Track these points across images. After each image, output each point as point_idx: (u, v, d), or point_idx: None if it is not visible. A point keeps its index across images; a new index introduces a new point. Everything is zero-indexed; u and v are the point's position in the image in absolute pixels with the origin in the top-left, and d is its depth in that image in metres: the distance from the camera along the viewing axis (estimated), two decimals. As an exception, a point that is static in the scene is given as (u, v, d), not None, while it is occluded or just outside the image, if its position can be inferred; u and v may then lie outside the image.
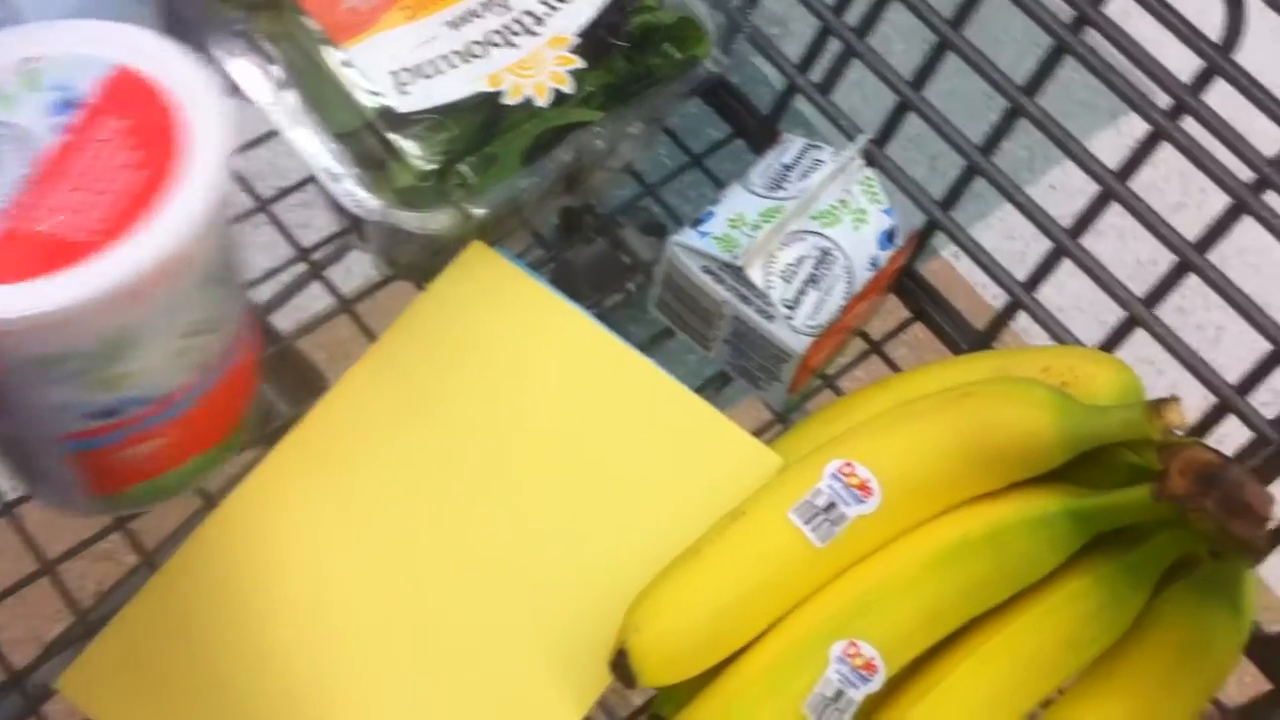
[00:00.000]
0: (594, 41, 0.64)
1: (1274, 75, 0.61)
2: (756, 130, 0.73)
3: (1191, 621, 0.54)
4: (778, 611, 0.52)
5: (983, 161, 0.65)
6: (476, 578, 0.56)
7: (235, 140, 0.49)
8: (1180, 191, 1.27)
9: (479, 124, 0.61)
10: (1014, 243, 1.24)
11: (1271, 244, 0.59)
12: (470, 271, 0.61)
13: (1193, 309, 1.26)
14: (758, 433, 0.60)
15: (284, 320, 0.76)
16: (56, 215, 0.46)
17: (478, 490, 0.58)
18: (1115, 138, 1.40)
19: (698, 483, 0.57)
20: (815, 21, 0.69)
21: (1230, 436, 0.59)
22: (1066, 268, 0.65)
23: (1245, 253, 1.19)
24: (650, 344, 0.64)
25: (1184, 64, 0.61)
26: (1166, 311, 0.62)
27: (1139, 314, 0.62)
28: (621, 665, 0.51)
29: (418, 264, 0.63)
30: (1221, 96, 0.60)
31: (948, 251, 1.27)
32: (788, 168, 0.63)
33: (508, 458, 0.58)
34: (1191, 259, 0.60)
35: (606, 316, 0.62)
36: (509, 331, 0.60)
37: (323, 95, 0.60)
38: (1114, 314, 0.63)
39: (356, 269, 0.77)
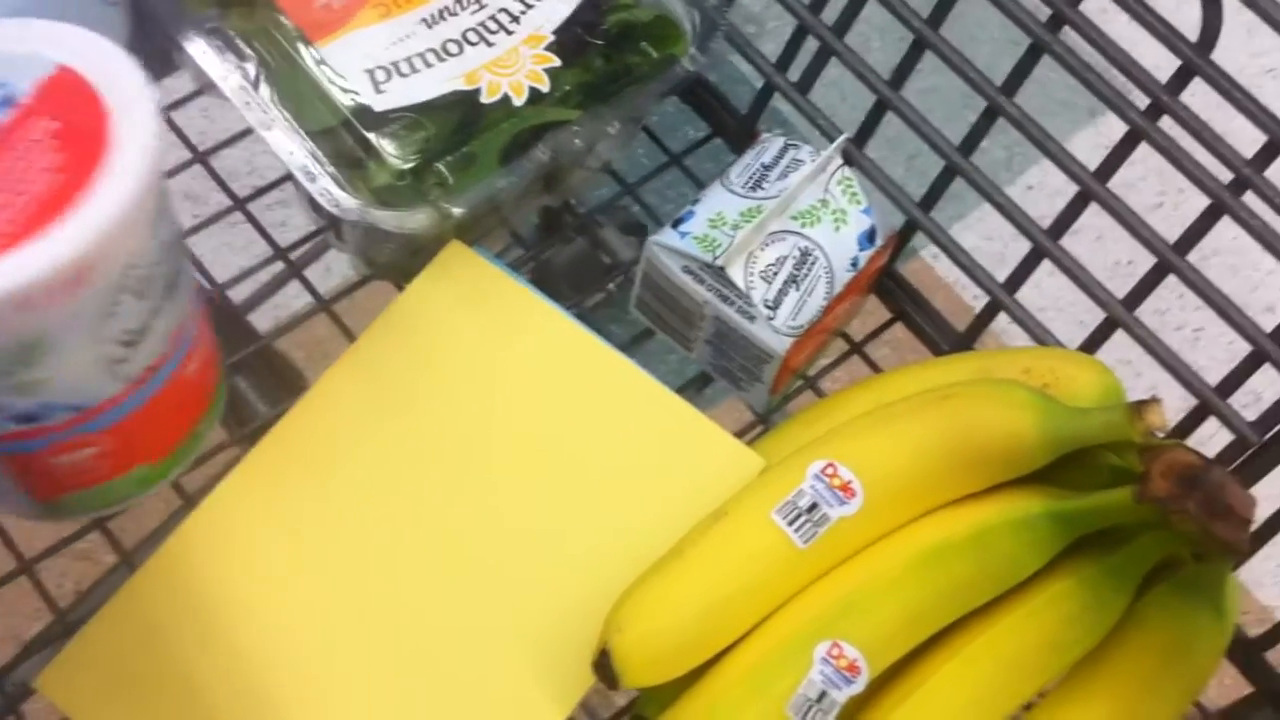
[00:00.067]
0: (571, 40, 0.63)
1: (1248, 74, 0.61)
2: (735, 130, 0.73)
3: (1174, 624, 0.54)
4: (761, 613, 0.52)
5: (962, 161, 0.64)
6: (457, 579, 0.56)
7: (156, 151, 0.47)
8: (1157, 191, 1.28)
9: (456, 123, 0.60)
10: (992, 243, 1.24)
11: (1248, 245, 0.59)
12: (449, 271, 0.61)
13: (1170, 310, 1.27)
14: (739, 434, 0.60)
15: (262, 319, 0.75)
16: None
17: (458, 490, 0.57)
18: (1094, 137, 1.40)
19: (679, 484, 0.57)
20: (792, 20, 0.69)
21: (1211, 439, 0.59)
22: (1043, 269, 0.65)
23: (1221, 254, 1.19)
24: (630, 345, 0.63)
25: (1159, 64, 0.61)
26: (1144, 313, 0.62)
27: (1119, 315, 0.62)
28: (604, 666, 0.51)
29: (396, 264, 0.62)
30: (1197, 97, 0.60)
31: (926, 252, 1.28)
32: (767, 167, 0.62)
33: (488, 458, 0.58)
34: (1171, 259, 0.60)
35: (586, 317, 0.62)
36: (488, 331, 0.60)
37: (298, 93, 0.60)
38: (1091, 315, 0.62)
39: (335, 268, 0.77)
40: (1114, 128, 0.60)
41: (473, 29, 0.63)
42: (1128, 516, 0.52)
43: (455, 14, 0.63)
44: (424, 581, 0.56)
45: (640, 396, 0.59)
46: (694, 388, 0.64)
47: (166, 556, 0.56)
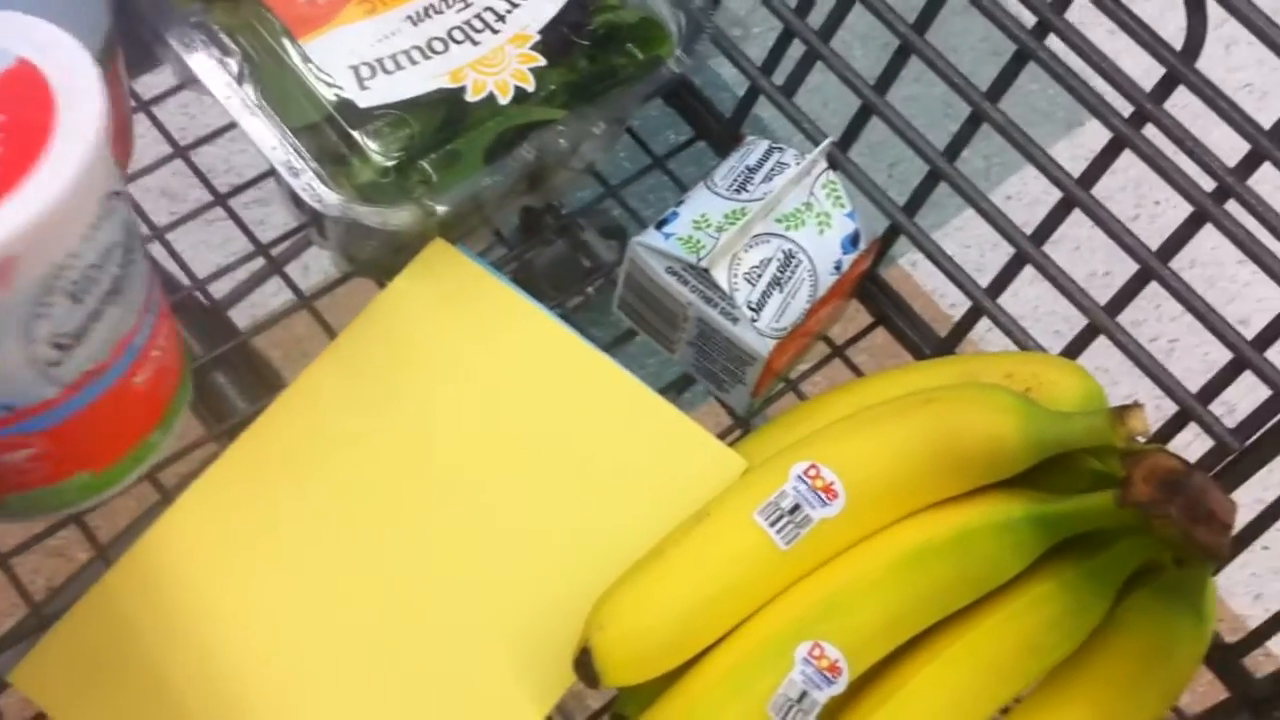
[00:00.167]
0: (556, 39, 0.63)
1: (1225, 90, 0.61)
2: (719, 133, 0.73)
3: (1154, 628, 0.54)
4: (742, 613, 0.52)
5: (946, 166, 0.65)
6: (437, 577, 0.56)
7: (95, 152, 0.46)
8: (1133, 204, 1.28)
9: (440, 120, 0.60)
10: (969, 251, 1.25)
11: (1224, 258, 0.59)
12: (432, 269, 0.60)
13: (1147, 321, 1.28)
14: (718, 438, 0.60)
15: (238, 318, 0.75)
16: None
17: (439, 489, 0.57)
18: (1071, 149, 1.41)
19: (661, 484, 0.57)
20: (777, 24, 0.69)
21: (1187, 448, 0.59)
22: (1020, 279, 0.65)
23: (1198, 266, 1.20)
24: (610, 347, 0.63)
25: (1138, 76, 0.61)
26: (1120, 324, 0.62)
27: (1101, 321, 0.62)
28: (585, 664, 0.50)
29: (378, 261, 0.62)
30: (1176, 110, 0.60)
31: (905, 260, 1.28)
32: (752, 170, 0.62)
33: (470, 457, 0.58)
34: (1154, 266, 0.60)
35: (569, 317, 0.62)
36: (471, 330, 0.60)
37: (282, 88, 0.59)
38: (1067, 325, 0.62)
39: (314, 266, 0.77)
40: (1090, 141, 0.61)
41: (458, 27, 0.62)
42: (1109, 521, 0.52)
43: (440, 12, 0.63)
44: (402, 580, 0.56)
45: (623, 396, 0.59)
46: (673, 391, 0.64)
47: (142, 552, 0.55)
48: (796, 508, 0.52)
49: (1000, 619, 0.53)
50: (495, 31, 0.63)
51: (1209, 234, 0.60)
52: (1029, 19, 0.63)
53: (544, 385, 0.59)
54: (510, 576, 0.56)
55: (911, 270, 1.30)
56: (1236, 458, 0.59)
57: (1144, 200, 1.31)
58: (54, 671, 0.53)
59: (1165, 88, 0.61)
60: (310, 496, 0.56)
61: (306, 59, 0.60)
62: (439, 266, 0.61)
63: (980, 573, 0.53)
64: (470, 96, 0.61)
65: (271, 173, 0.60)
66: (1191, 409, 0.60)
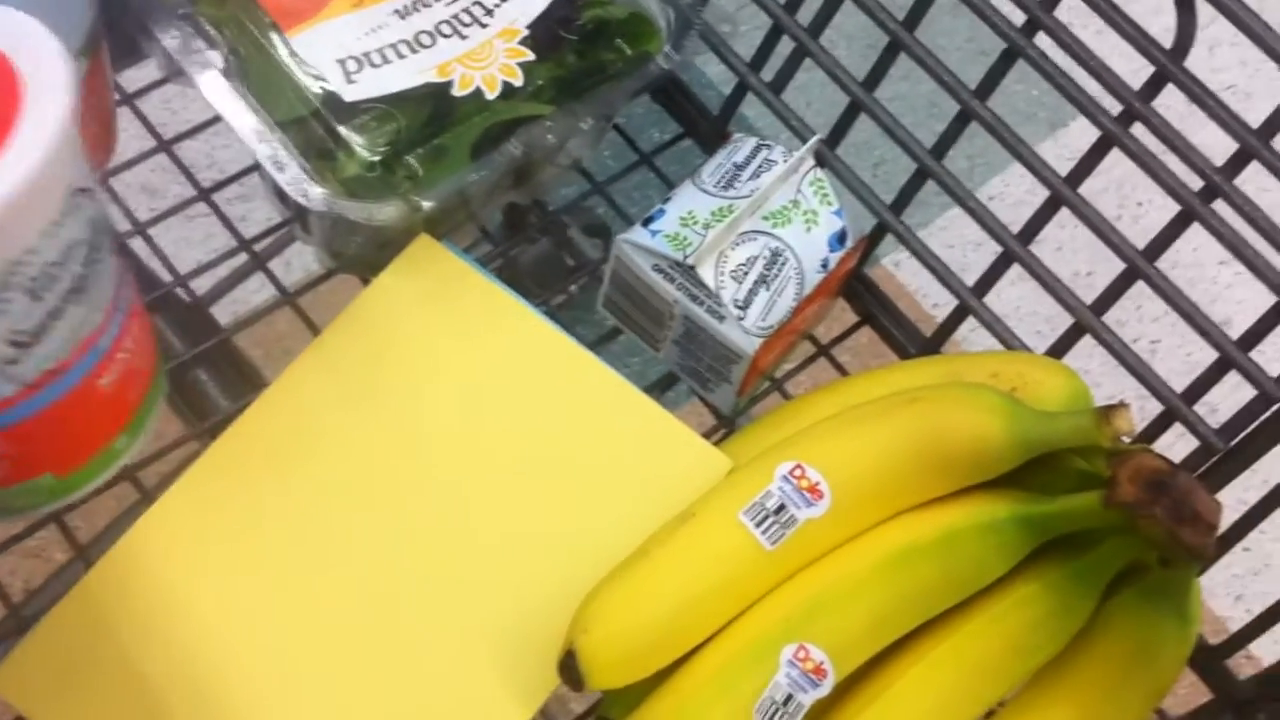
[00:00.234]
0: (544, 34, 0.63)
1: (1212, 87, 0.61)
2: (707, 130, 0.72)
3: (1139, 629, 0.54)
4: (728, 614, 0.51)
5: (934, 164, 0.64)
6: (420, 578, 0.55)
7: (57, 147, 0.45)
8: (1116, 205, 1.28)
9: (427, 115, 0.60)
10: (953, 251, 1.25)
11: (1206, 259, 0.60)
12: (417, 265, 0.60)
13: (1129, 322, 1.28)
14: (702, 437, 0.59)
15: (220, 315, 0.74)
16: None
17: (423, 488, 0.57)
18: (1055, 149, 1.41)
19: (647, 484, 0.56)
20: (765, 21, 0.69)
21: (1170, 449, 0.59)
22: (1003, 278, 0.65)
23: (1180, 267, 1.20)
24: (594, 347, 0.63)
25: (1125, 75, 0.61)
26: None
27: (1087, 321, 0.62)
28: (570, 667, 0.50)
29: (363, 257, 0.61)
30: (1162, 108, 0.60)
31: (888, 260, 1.28)
32: (739, 167, 0.62)
33: (454, 455, 0.57)
34: (1140, 265, 0.60)
35: (553, 316, 0.61)
36: (456, 326, 0.59)
37: (268, 82, 0.59)
38: (1049, 326, 0.63)
39: (296, 262, 0.76)
40: (1075, 142, 0.61)
41: (446, 21, 0.62)
42: (1094, 521, 0.52)
43: (428, 5, 0.62)
44: (386, 581, 0.55)
45: (608, 395, 0.59)
46: (656, 391, 0.64)
47: (123, 552, 0.55)
48: (782, 508, 0.52)
49: (986, 620, 0.53)
50: (483, 26, 0.62)
51: (1190, 236, 0.60)
52: (1018, 18, 0.63)
53: (530, 384, 0.59)
54: (494, 577, 0.55)
55: (895, 270, 1.30)
56: (1221, 458, 0.59)
57: (1127, 201, 1.31)
58: (34, 674, 0.53)
59: (1154, 87, 0.61)
60: (293, 495, 0.56)
61: (293, 52, 0.59)
62: (424, 263, 0.60)
63: (965, 573, 0.53)
64: (457, 91, 0.60)
65: (255, 168, 0.60)
66: (1177, 409, 0.60)
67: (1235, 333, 0.59)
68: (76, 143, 0.47)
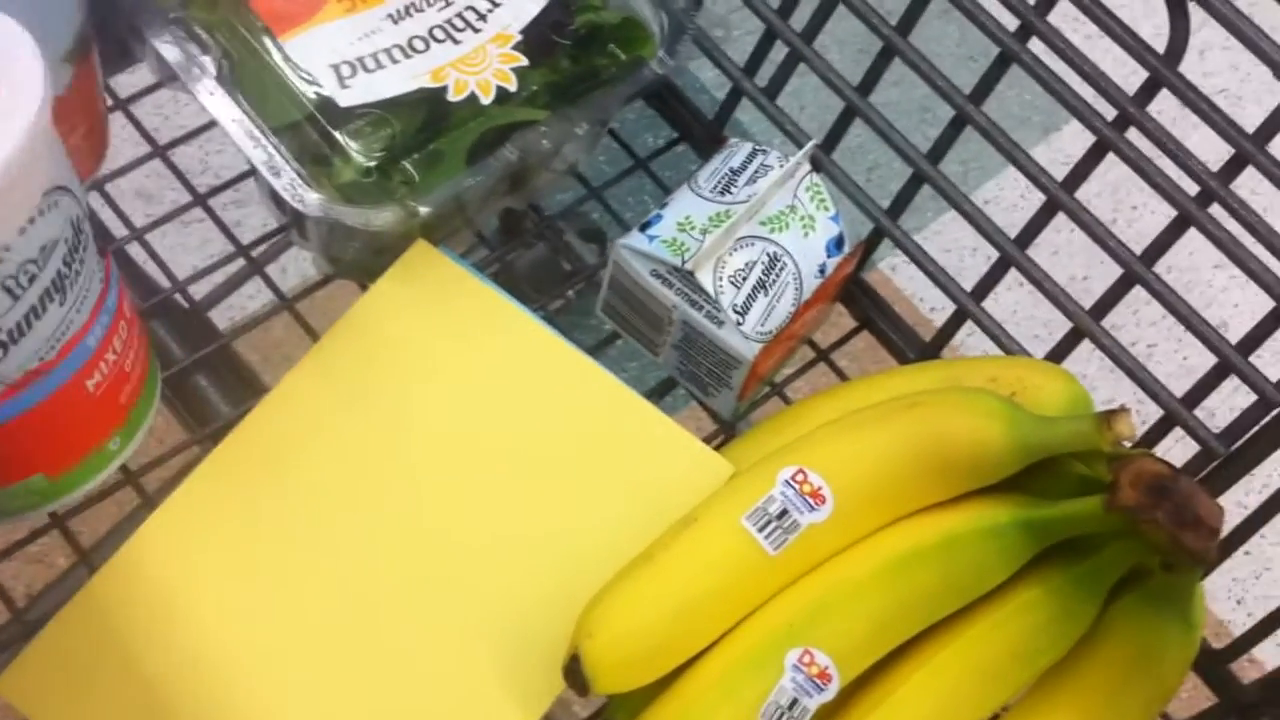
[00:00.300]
0: (538, 40, 0.63)
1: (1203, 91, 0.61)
2: (701, 135, 0.72)
3: (1142, 634, 0.54)
4: (731, 619, 0.51)
5: (930, 169, 0.64)
6: (423, 583, 0.55)
7: (26, 145, 0.44)
8: (1111, 209, 1.29)
9: (422, 120, 0.60)
10: (949, 255, 1.24)
11: (1201, 263, 0.60)
12: (414, 271, 0.60)
13: (1125, 326, 1.28)
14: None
15: (216, 321, 0.74)
16: None
17: (425, 493, 0.56)
18: (1048, 153, 1.41)
19: (648, 488, 0.56)
20: (758, 26, 0.69)
21: (1168, 454, 0.59)
22: (1000, 283, 0.65)
23: (1175, 271, 1.20)
24: (591, 352, 0.63)
25: (1117, 80, 0.61)
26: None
27: (1085, 325, 0.62)
28: (575, 672, 0.50)
29: (360, 262, 0.61)
30: (1154, 112, 0.60)
31: (885, 264, 1.28)
32: (735, 172, 0.62)
33: (455, 460, 0.57)
34: (1138, 271, 0.60)
35: (550, 321, 0.61)
36: (455, 332, 0.59)
37: (262, 87, 0.59)
38: (1047, 329, 0.62)
39: (291, 269, 0.76)
40: (1067, 146, 0.61)
41: (439, 26, 0.62)
42: (1096, 526, 0.52)
43: (421, 10, 0.62)
44: (389, 586, 0.55)
45: (608, 400, 0.59)
46: (654, 396, 0.64)
47: (127, 557, 0.54)
48: (784, 513, 0.52)
49: (988, 625, 0.53)
50: (476, 31, 0.62)
51: (1185, 240, 0.60)
52: (1010, 23, 0.63)
53: (530, 389, 0.59)
54: (496, 582, 0.55)
55: (891, 274, 1.30)
56: (1222, 462, 0.59)
57: (1121, 205, 1.31)
58: (38, 679, 0.52)
59: (1148, 92, 0.61)
60: (295, 501, 0.56)
61: (286, 57, 0.59)
62: (422, 268, 0.60)
63: (967, 578, 0.53)
64: (452, 96, 0.60)
65: (250, 173, 0.59)
66: (1177, 413, 0.60)
67: (1231, 336, 0.59)
68: (54, 141, 0.47)
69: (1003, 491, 0.54)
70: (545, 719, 0.54)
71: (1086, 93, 0.61)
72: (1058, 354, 0.64)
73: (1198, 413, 0.60)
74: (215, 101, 0.58)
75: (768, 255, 0.60)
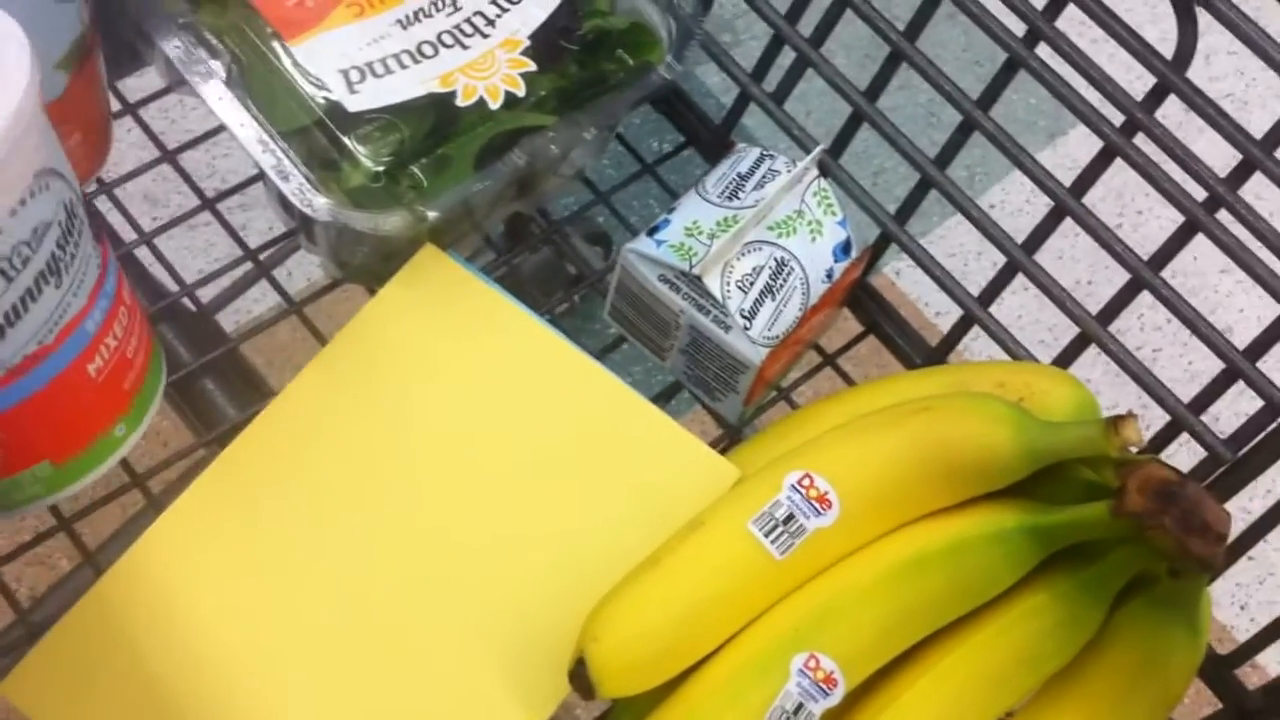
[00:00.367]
0: (546, 45, 0.63)
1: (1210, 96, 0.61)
2: (708, 140, 0.72)
3: (1149, 639, 0.54)
4: (737, 623, 0.51)
5: (937, 174, 0.64)
6: (429, 586, 0.55)
7: (16, 131, 0.45)
8: (1116, 214, 1.28)
9: (430, 125, 0.60)
10: (954, 260, 1.24)
11: (1206, 268, 0.60)
12: (423, 275, 0.60)
13: (1130, 331, 1.28)
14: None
15: (223, 324, 0.74)
16: None
17: (431, 497, 0.56)
18: (1053, 158, 1.41)
19: (654, 493, 0.56)
20: (766, 31, 0.69)
21: (1172, 459, 0.59)
22: (1006, 288, 0.65)
23: (1180, 275, 1.20)
24: (597, 355, 0.63)
25: (1123, 83, 0.61)
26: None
27: (1092, 330, 0.62)
28: (580, 676, 0.50)
29: (368, 267, 0.61)
30: (1161, 118, 0.60)
31: (889, 269, 1.28)
32: (743, 177, 0.62)
33: (462, 464, 0.57)
34: (1145, 276, 0.60)
35: (557, 325, 0.61)
36: (463, 336, 0.59)
37: (271, 91, 0.59)
38: (1053, 334, 0.62)
39: (298, 272, 0.76)
40: (1073, 151, 0.61)
41: (448, 31, 0.62)
42: (1103, 531, 0.52)
43: (430, 15, 0.62)
44: (395, 590, 0.55)
45: (615, 404, 0.59)
46: (660, 400, 0.64)
47: (134, 560, 0.55)
48: (791, 517, 0.52)
49: (994, 631, 0.53)
50: (485, 36, 0.62)
51: (1191, 245, 0.60)
52: (1017, 28, 0.63)
53: (537, 393, 0.59)
54: (502, 586, 0.55)
55: (896, 279, 1.30)
56: (1229, 468, 0.59)
57: (1126, 210, 1.31)
58: (44, 681, 0.52)
59: (1156, 97, 0.61)
60: (302, 504, 0.56)
61: (296, 62, 0.59)
62: (430, 273, 0.60)
63: (974, 584, 0.53)
64: (461, 101, 0.60)
65: (257, 177, 0.59)
66: (1184, 419, 0.60)
67: (1237, 342, 0.59)
68: (44, 124, 0.47)
69: (1009, 497, 0.54)
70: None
71: (1093, 98, 0.61)
72: (1064, 359, 0.64)
73: (1204, 418, 0.60)
74: (224, 106, 0.58)
75: (775, 260, 0.60)
